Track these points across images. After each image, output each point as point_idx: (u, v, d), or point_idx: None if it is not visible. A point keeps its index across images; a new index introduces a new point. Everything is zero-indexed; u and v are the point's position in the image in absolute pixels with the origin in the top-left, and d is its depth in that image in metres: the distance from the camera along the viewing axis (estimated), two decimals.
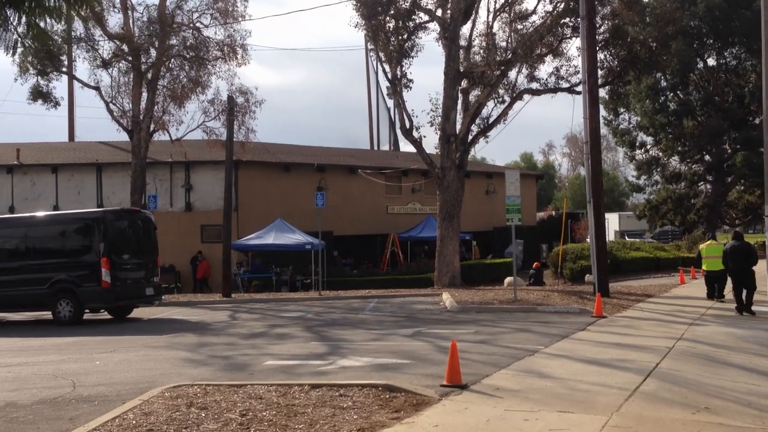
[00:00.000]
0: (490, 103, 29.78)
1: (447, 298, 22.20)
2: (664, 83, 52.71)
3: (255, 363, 11.72)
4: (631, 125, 56.35)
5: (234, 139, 31.11)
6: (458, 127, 27.95)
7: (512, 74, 29.74)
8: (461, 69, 27.64)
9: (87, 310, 19.73)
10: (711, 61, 52.21)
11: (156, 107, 29.58)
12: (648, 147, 55.82)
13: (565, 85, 29.36)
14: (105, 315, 20.73)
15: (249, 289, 32.44)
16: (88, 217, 19.53)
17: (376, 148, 64.89)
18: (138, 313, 21.19)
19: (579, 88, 28.89)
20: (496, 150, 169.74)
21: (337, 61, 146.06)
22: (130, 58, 27.52)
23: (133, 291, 19.59)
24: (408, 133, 27.35)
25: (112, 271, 18.76)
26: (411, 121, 27.37)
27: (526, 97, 29.73)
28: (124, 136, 31.93)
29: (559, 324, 15.95)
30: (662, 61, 28.53)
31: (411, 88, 27.47)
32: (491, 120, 29.49)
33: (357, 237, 40.09)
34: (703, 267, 21.42)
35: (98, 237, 18.92)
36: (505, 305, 19.80)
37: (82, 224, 19.43)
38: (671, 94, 53.49)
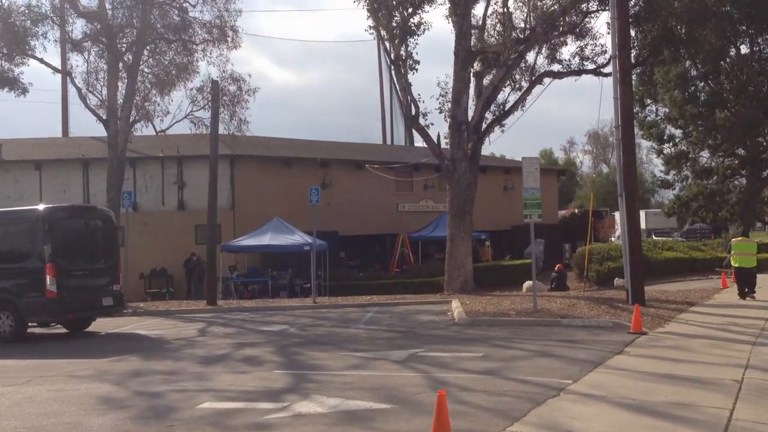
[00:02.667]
0: (506, 89, 26.80)
1: (456, 307, 19.21)
2: (694, 72, 49.29)
3: (186, 406, 8.80)
4: (659, 117, 52.98)
5: (226, 131, 28.57)
6: (470, 114, 24.90)
7: (530, 56, 26.76)
8: (473, 48, 24.57)
9: (34, 324, 16.95)
10: (744, 49, 48.68)
11: (137, 95, 26.82)
12: (677, 140, 52.41)
13: (591, 66, 26.24)
14: (59, 329, 17.93)
15: (243, 295, 29.60)
16: (30, 215, 16.51)
17: (389, 143, 61.66)
18: (101, 325, 18.36)
19: (606, 70, 25.83)
20: (514, 146, 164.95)
21: (357, 60, 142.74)
22: (104, 39, 24.68)
23: (86, 302, 16.65)
24: (414, 120, 24.31)
25: (58, 278, 15.88)
26: (417, 107, 24.33)
27: (547, 81, 26.70)
28: None
29: (589, 344, 12.89)
30: (701, 37, 25.27)
31: (417, 69, 24.40)
32: (507, 106, 26.45)
33: (365, 237, 37.11)
34: (733, 264, 21.10)
35: (42, 238, 15.98)
36: (523, 317, 16.74)
37: (23, 223, 16.43)
38: (702, 84, 50.00)
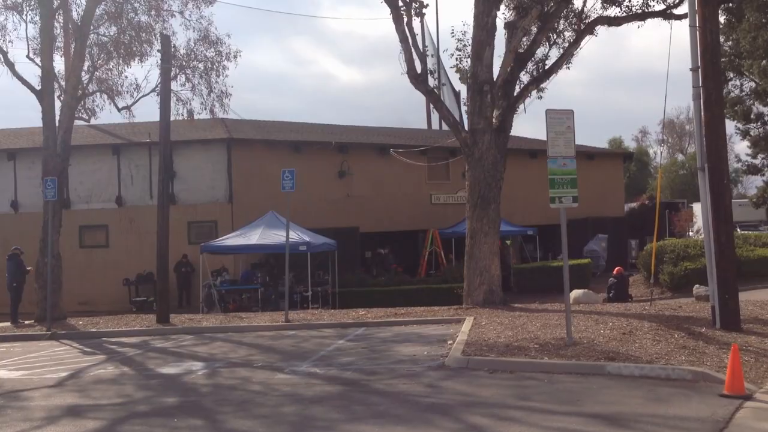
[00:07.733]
0: (544, 45, 20.76)
1: (463, 332, 13.46)
2: None
3: None
4: (744, 93, 45.81)
5: (204, 108, 23.60)
6: (497, 72, 18.96)
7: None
8: None
9: None
10: None
11: (90, 63, 21.90)
12: (766, 118, 45.20)
13: (659, 6, 19.98)
14: None
15: (229, 306, 24.31)
16: None
17: (436, 127, 55.35)
18: None
19: (679, 11, 19.65)
20: (577, 134, 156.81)
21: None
22: None
23: None
24: (418, 80, 18.46)
25: None
26: (424, 63, 18.57)
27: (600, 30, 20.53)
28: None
29: (650, 425, 6.95)
30: None
31: (425, 14, 18.68)
32: (549, 63, 20.42)
33: (392, 234, 31.46)
34: None
35: None
36: (546, 357, 10.76)
37: None
38: None
